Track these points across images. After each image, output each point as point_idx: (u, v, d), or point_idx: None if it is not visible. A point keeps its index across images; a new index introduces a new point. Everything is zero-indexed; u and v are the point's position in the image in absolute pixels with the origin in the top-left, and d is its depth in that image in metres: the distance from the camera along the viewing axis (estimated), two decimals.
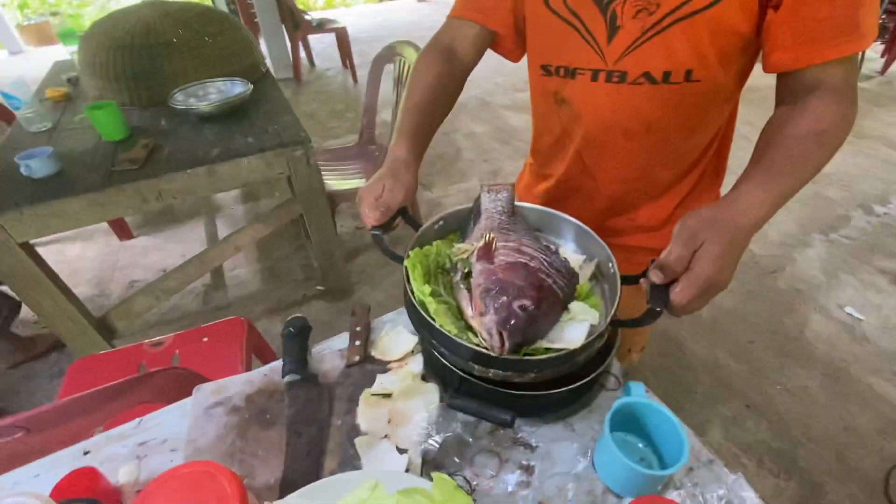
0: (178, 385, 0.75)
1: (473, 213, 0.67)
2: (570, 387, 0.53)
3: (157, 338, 1.20)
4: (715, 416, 1.50)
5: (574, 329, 0.53)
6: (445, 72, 0.73)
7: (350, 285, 1.99)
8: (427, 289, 0.53)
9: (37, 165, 1.25)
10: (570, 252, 0.67)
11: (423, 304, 0.54)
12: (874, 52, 4.44)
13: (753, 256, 2.12)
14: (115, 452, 0.59)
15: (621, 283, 0.56)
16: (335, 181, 1.92)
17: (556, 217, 0.68)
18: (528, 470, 0.54)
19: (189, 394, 0.64)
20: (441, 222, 0.67)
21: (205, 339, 1.19)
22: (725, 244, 0.47)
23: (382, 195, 0.60)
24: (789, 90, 0.58)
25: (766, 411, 1.50)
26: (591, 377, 0.54)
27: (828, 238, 2.22)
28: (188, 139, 1.48)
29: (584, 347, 0.50)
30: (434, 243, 0.63)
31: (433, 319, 0.52)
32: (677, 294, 0.47)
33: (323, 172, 1.83)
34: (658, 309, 0.49)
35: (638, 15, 0.58)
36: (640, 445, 0.56)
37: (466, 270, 0.57)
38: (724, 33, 0.56)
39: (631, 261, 0.61)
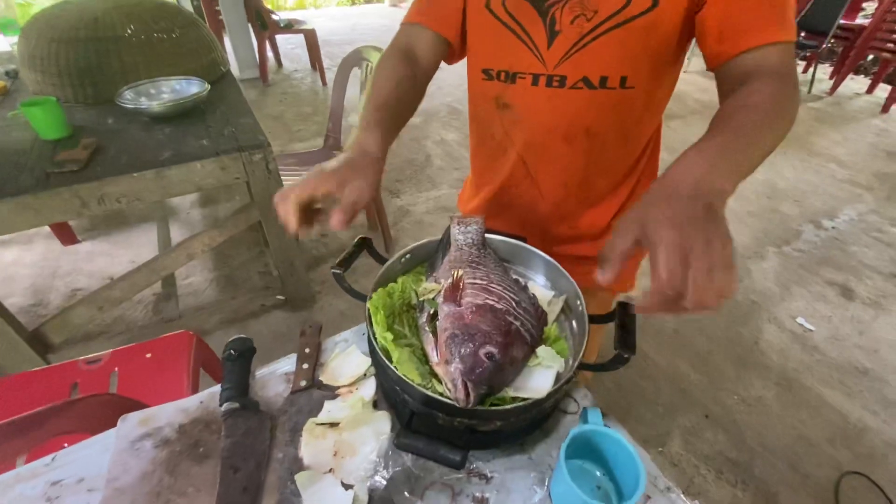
0: (107, 412, 0.68)
1: (442, 244, 0.64)
2: (528, 415, 0.50)
3: (94, 354, 1.11)
4: (675, 427, 1.51)
5: (540, 377, 0.51)
6: (408, 75, 0.69)
7: (312, 294, 1.92)
8: (389, 335, 0.51)
9: None
10: (539, 286, 0.65)
11: (385, 351, 0.51)
12: (823, 74, 4.73)
13: None
14: (23, 494, 0.52)
15: (589, 322, 0.54)
16: None
17: (526, 250, 0.67)
18: (482, 502, 0.51)
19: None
20: (408, 255, 0.65)
21: (148, 356, 1.11)
22: (666, 202, 0.40)
23: (346, 192, 0.49)
24: (730, 81, 0.56)
25: (724, 421, 1.53)
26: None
27: (781, 251, 2.31)
28: (136, 140, 1.39)
29: (550, 395, 0.48)
30: (399, 279, 0.61)
31: (396, 368, 0.49)
32: (656, 277, 0.37)
33: (286, 178, 1.76)
34: (626, 355, 0.48)
35: (576, 21, 0.59)
36: (598, 473, 0.54)
37: (433, 311, 0.55)
38: (657, 41, 0.59)
39: (575, 271, 0.61)
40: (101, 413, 0.68)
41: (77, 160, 1.24)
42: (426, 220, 2.48)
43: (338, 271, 0.57)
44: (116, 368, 1.09)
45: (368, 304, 0.54)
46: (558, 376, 0.50)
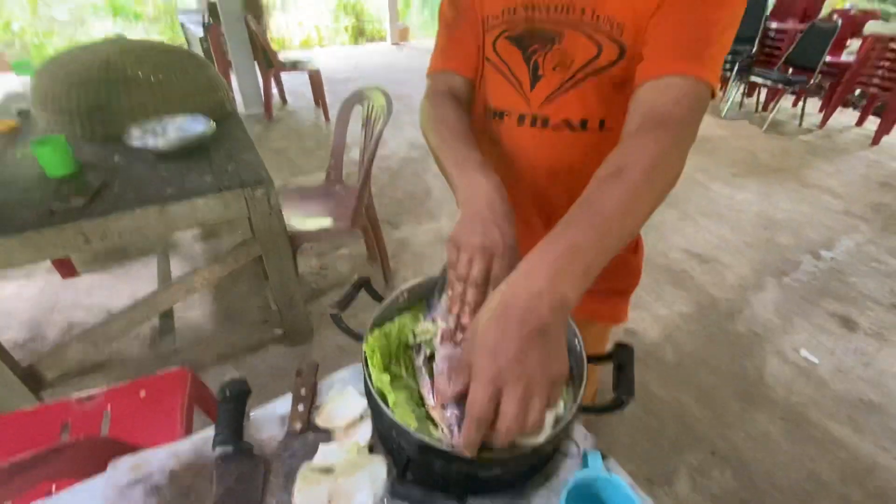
0: (97, 456, 0.67)
1: (439, 283, 0.65)
2: (527, 461, 0.49)
3: (87, 392, 1.09)
4: (681, 465, 1.47)
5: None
6: (465, 114, 0.69)
7: (310, 328, 1.91)
8: (386, 377, 0.51)
9: None
10: None
11: (381, 394, 0.50)
12: (812, 108, 4.85)
13: (713, 300, 2.18)
14: None
15: (587, 363, 0.54)
16: (299, 221, 1.87)
17: None
18: None
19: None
20: (405, 294, 0.65)
21: (142, 394, 1.09)
22: (496, 324, 0.38)
23: (494, 272, 0.50)
24: (630, 120, 0.55)
25: (731, 458, 1.49)
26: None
27: (780, 282, 2.31)
28: (141, 177, 1.41)
29: (549, 440, 0.47)
30: (397, 319, 0.61)
31: (392, 411, 0.48)
32: (468, 410, 0.39)
33: (287, 211, 1.78)
34: (623, 398, 0.48)
35: (556, 68, 0.63)
36: None
37: (430, 352, 0.55)
38: (629, 87, 0.59)
39: None
40: (91, 457, 0.66)
41: (82, 196, 1.27)
42: (426, 252, 2.49)
43: (335, 312, 0.57)
44: (109, 407, 1.07)
45: (365, 347, 0.54)
46: (557, 419, 0.49)
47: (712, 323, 2.04)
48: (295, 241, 1.72)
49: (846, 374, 1.80)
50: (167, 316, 1.90)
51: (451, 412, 0.46)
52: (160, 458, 0.57)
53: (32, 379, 1.41)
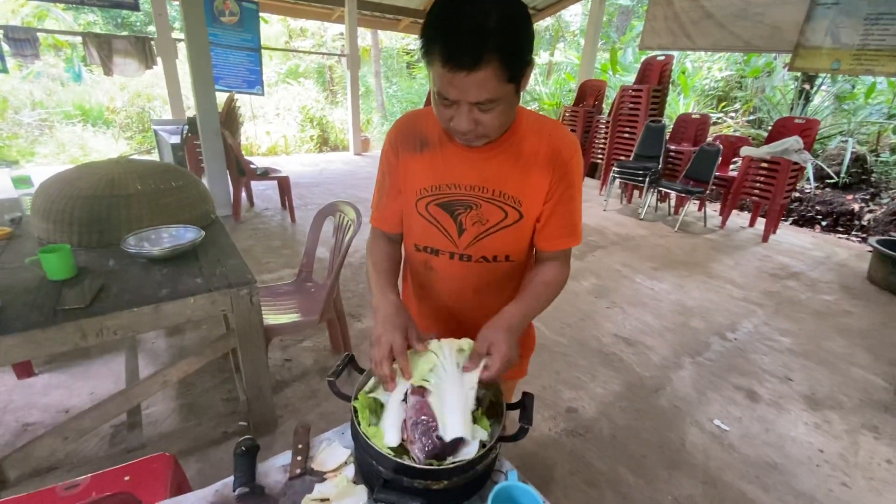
0: None
1: None
2: (465, 475, 0.72)
3: (72, 480, 1.17)
4: None
5: (470, 446, 0.73)
6: (391, 249, 1.05)
7: (275, 418, 2.00)
8: (372, 430, 0.74)
9: None
10: None
11: (367, 436, 0.73)
12: (714, 212, 5.74)
13: (640, 378, 2.49)
14: None
15: (506, 409, 0.80)
16: (271, 316, 2.06)
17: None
18: None
19: None
20: None
21: (126, 479, 1.19)
22: (504, 336, 0.79)
23: (392, 350, 0.79)
24: (539, 257, 1.00)
25: None
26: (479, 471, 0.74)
27: (695, 360, 2.68)
28: (137, 279, 1.60)
29: (479, 459, 0.71)
30: (373, 381, 0.85)
31: (377, 447, 0.70)
32: (492, 366, 0.77)
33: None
34: (526, 427, 0.74)
35: (475, 224, 0.94)
36: None
37: (401, 399, 0.79)
38: (526, 234, 0.95)
39: None
40: None
41: (84, 298, 1.43)
42: None
43: (331, 379, 0.80)
44: (94, 494, 1.15)
45: (355, 404, 0.77)
46: (483, 444, 0.73)
47: (640, 399, 2.32)
48: (268, 333, 1.90)
49: (752, 440, 2.09)
50: (134, 411, 1.94)
51: (417, 447, 0.69)
52: (190, 500, 0.74)
53: None
